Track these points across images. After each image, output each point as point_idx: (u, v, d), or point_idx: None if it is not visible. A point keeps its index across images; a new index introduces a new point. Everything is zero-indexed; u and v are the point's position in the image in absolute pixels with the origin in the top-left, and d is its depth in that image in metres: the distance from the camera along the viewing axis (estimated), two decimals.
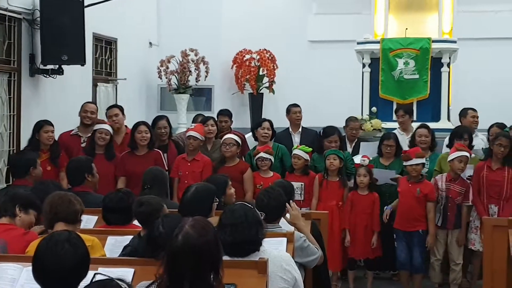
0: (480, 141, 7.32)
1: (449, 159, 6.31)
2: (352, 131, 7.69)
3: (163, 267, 2.63)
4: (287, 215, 4.39)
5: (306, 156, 6.62)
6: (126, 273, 3.44)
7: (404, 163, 6.36)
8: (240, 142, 6.78)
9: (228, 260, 3.43)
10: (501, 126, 7.18)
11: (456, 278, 6.40)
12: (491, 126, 7.33)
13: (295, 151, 6.68)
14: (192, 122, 7.52)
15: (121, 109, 7.32)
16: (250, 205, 3.64)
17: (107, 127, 6.74)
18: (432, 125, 8.20)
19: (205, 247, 2.61)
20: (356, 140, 7.71)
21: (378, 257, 6.56)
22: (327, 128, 7.09)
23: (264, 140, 7.09)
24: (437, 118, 9.32)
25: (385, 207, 6.46)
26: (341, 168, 6.58)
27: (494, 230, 5.14)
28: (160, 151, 6.72)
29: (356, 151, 7.47)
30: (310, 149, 6.74)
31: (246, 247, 3.45)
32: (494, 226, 5.15)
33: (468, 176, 6.45)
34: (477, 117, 7.80)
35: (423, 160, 6.36)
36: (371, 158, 6.79)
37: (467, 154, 6.29)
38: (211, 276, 2.62)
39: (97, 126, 6.73)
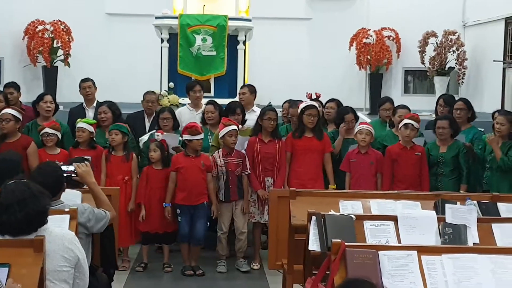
0: (254, 116, 7.57)
1: (220, 135, 6.51)
2: (148, 104, 7.65)
3: None
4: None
5: (91, 129, 6.53)
6: None
7: (189, 138, 6.43)
8: (20, 117, 6.53)
9: (1, 239, 3.27)
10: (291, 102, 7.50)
11: (242, 247, 6.65)
12: (284, 103, 7.65)
13: (79, 124, 6.54)
14: None
15: None
16: (24, 180, 3.52)
17: None
18: (228, 101, 8.40)
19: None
20: (154, 114, 7.67)
21: (174, 231, 6.63)
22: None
23: (47, 115, 6.92)
24: (233, 95, 9.50)
25: (164, 204, 6.49)
26: (126, 143, 6.55)
27: (279, 201, 5.35)
28: None
29: (153, 126, 7.44)
30: (95, 121, 6.66)
31: (38, 219, 3.34)
32: (279, 197, 5.36)
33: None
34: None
35: (202, 135, 6.51)
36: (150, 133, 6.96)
37: (235, 127, 6.50)
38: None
39: None
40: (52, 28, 11.00)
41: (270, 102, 7.38)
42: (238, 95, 8.24)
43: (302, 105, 6.71)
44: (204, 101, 7.87)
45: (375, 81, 11.81)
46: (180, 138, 6.61)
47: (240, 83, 9.54)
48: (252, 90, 7.93)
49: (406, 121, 6.46)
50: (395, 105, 7.34)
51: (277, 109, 7.76)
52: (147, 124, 7.55)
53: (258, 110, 7.41)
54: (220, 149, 6.56)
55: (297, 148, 6.65)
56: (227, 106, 7.24)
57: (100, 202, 4.47)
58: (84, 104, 7.76)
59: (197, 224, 6.43)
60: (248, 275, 6.53)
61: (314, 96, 6.95)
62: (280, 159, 6.63)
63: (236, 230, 6.64)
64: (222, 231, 6.59)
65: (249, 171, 6.58)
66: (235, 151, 6.55)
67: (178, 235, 6.52)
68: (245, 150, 6.70)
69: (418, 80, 12.21)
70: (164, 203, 6.49)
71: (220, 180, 6.53)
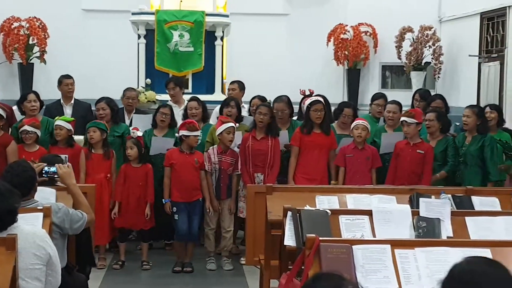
0: (245, 112, 7.61)
1: (217, 133, 6.49)
2: (128, 100, 7.65)
3: None
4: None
5: (69, 126, 6.48)
6: None
7: (186, 133, 6.39)
8: (4, 115, 6.50)
9: None
10: (262, 98, 7.52)
11: (227, 245, 6.67)
12: (253, 98, 7.65)
13: (57, 122, 6.51)
14: None
15: None
16: None
17: None
18: (206, 97, 8.43)
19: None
20: (134, 111, 7.66)
21: (152, 228, 6.61)
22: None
23: (32, 114, 6.86)
24: (211, 91, 9.52)
25: (164, 200, 6.50)
26: (105, 140, 6.50)
27: (255, 196, 5.36)
28: None
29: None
30: (73, 118, 6.64)
31: (7, 218, 3.31)
32: (256, 193, 5.37)
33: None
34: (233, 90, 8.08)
35: (199, 132, 6.50)
36: (145, 130, 6.86)
37: (232, 124, 6.51)
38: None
39: None
40: (27, 25, 10.85)
41: (269, 101, 7.34)
42: (227, 91, 8.26)
43: (307, 102, 6.69)
44: (183, 97, 7.86)
45: (353, 77, 11.83)
46: (177, 135, 6.58)
47: (218, 79, 9.56)
48: (242, 86, 8.05)
49: (401, 118, 6.48)
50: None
51: (245, 105, 7.82)
52: (127, 121, 7.53)
53: (246, 107, 7.45)
54: (215, 146, 6.53)
55: (306, 143, 6.59)
56: (223, 101, 7.26)
57: (79, 204, 4.43)
58: (61, 101, 7.73)
59: (193, 221, 6.45)
60: (227, 271, 6.54)
61: (307, 93, 6.99)
62: (273, 156, 6.57)
63: (222, 228, 6.65)
64: (209, 227, 6.58)
65: (239, 172, 6.57)
66: (230, 150, 6.54)
67: (177, 233, 6.48)
68: (238, 146, 6.68)
69: (395, 75, 12.25)
70: (163, 200, 6.48)
71: (212, 177, 6.52)
